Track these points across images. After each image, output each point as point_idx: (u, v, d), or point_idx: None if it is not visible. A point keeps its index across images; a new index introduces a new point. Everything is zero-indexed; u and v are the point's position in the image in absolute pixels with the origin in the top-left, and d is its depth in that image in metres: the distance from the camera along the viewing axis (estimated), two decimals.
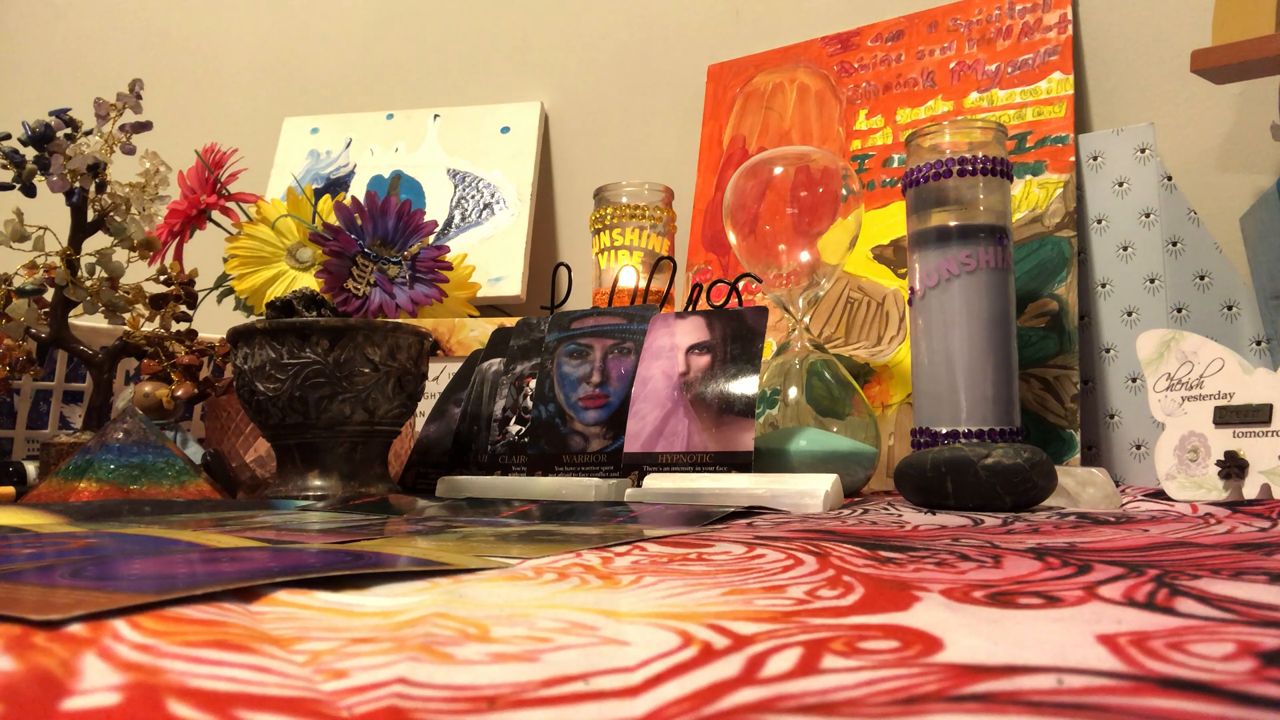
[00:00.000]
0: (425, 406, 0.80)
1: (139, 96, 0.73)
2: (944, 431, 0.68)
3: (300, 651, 0.19)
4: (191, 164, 0.96)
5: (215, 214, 0.97)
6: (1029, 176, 0.81)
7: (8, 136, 0.70)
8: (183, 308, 0.75)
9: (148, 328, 0.75)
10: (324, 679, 0.17)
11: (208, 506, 0.53)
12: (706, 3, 1.12)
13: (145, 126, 0.73)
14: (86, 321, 0.82)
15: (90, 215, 0.72)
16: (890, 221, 0.88)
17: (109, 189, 0.72)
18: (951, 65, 0.91)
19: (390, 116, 1.23)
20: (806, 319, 0.77)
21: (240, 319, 1.02)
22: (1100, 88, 0.88)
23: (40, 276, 0.71)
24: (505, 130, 1.18)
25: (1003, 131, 0.72)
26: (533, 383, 0.70)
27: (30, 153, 0.69)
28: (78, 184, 0.70)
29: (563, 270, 0.83)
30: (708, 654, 0.19)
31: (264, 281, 0.96)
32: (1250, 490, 0.54)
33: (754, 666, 0.18)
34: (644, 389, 0.65)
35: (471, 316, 0.96)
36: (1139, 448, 0.74)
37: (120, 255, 0.73)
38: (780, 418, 0.73)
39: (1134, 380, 0.75)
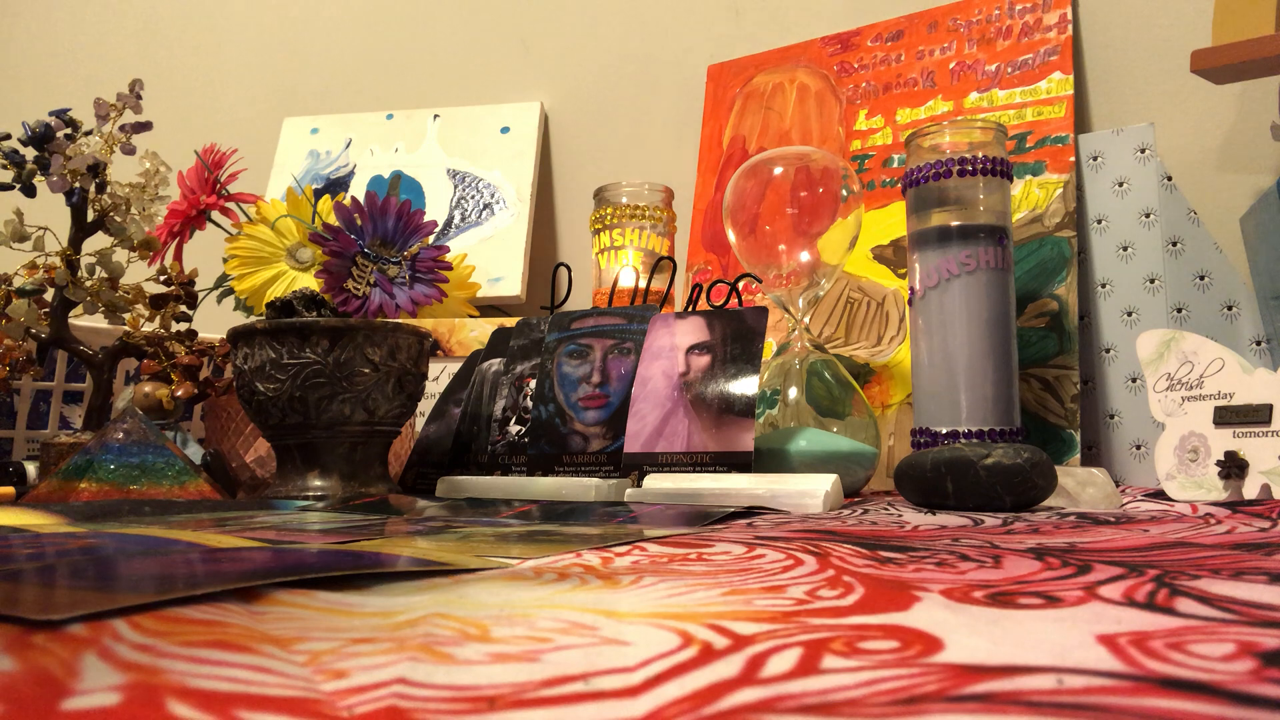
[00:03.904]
0: (425, 406, 0.80)
1: (139, 96, 0.73)
2: (944, 431, 0.68)
3: (300, 651, 0.19)
4: (191, 164, 0.96)
5: (215, 214, 0.97)
6: (1029, 176, 0.81)
7: (8, 136, 0.70)
8: (183, 308, 0.75)
9: (148, 328, 0.74)
10: (324, 679, 0.17)
11: (208, 506, 0.53)
12: (706, 3, 1.12)
13: (145, 126, 0.73)
14: (86, 321, 0.82)
15: (90, 215, 0.72)
16: (890, 221, 0.88)
17: (109, 189, 0.72)
18: (951, 65, 0.91)
19: (390, 116, 1.23)
20: (806, 319, 0.77)
21: (240, 319, 1.02)
22: (1100, 88, 0.88)
23: (40, 276, 0.71)
24: (505, 130, 1.18)
25: (1003, 131, 0.72)
26: (533, 383, 0.70)
27: (30, 153, 0.69)
28: (78, 184, 0.70)
29: (563, 270, 0.83)
30: (708, 654, 0.19)
31: (264, 281, 0.96)
32: (1250, 490, 0.54)
33: (754, 666, 0.18)
34: (644, 389, 0.65)
35: (471, 316, 0.96)
36: (1139, 448, 0.74)
37: (120, 255, 0.73)
38: (780, 418, 0.73)
39: (1134, 380, 0.75)
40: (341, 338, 0.60)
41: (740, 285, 0.88)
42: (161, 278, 0.76)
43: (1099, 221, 0.78)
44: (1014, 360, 0.69)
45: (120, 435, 0.59)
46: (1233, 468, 0.55)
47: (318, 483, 0.61)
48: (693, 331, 0.66)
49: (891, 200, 0.89)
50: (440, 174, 1.17)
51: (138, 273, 0.81)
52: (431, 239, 0.97)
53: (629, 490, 0.59)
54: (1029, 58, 0.86)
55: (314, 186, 1.20)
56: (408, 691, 0.17)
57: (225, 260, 0.97)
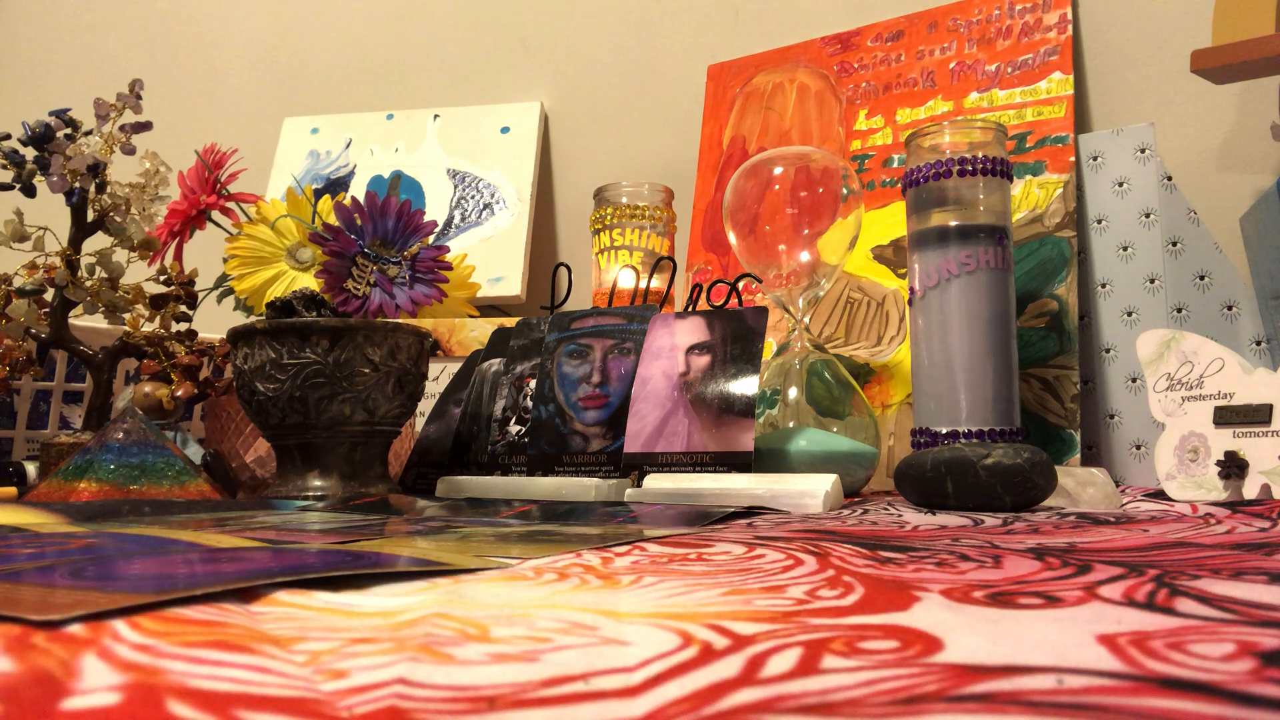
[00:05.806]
0: (425, 406, 0.80)
1: (139, 96, 0.73)
2: (944, 431, 0.68)
3: (300, 651, 0.19)
4: (191, 164, 0.96)
5: (215, 214, 0.97)
6: (1029, 176, 0.81)
7: (8, 136, 0.70)
8: (183, 308, 0.75)
9: (148, 328, 0.74)
10: (324, 679, 0.17)
11: (208, 506, 0.53)
12: (706, 3, 1.12)
13: (145, 126, 0.73)
14: (86, 321, 0.82)
15: (90, 215, 0.72)
16: (890, 221, 0.88)
17: (109, 189, 0.72)
18: (951, 65, 0.90)
19: (390, 116, 1.23)
20: (806, 319, 0.77)
21: (240, 319, 1.02)
22: (1100, 88, 0.88)
23: (40, 276, 0.71)
24: (505, 130, 1.18)
25: (1003, 131, 0.72)
26: (533, 383, 0.70)
27: (30, 153, 0.69)
28: (78, 184, 0.70)
29: (563, 270, 0.83)
30: (708, 654, 0.19)
31: (264, 281, 0.96)
32: (1250, 490, 0.54)
33: (754, 667, 0.18)
34: (644, 389, 0.65)
35: (471, 316, 0.96)
36: (1139, 448, 0.74)
37: (120, 255, 0.73)
38: (780, 418, 0.73)
39: (1134, 380, 0.75)
40: (341, 338, 0.60)
41: (740, 285, 0.88)
42: (161, 278, 0.76)
43: (1099, 221, 0.78)
44: (1014, 360, 0.69)
45: (120, 435, 0.59)
46: (1233, 468, 0.55)
47: (318, 483, 0.61)
48: (693, 331, 0.66)
49: (891, 200, 0.89)
50: (440, 174, 1.17)
51: (138, 273, 0.81)
52: (431, 239, 0.97)
53: (629, 490, 0.59)
54: (1029, 58, 0.86)
55: (314, 186, 1.20)
56: (408, 691, 0.17)
57: (225, 260, 0.97)
